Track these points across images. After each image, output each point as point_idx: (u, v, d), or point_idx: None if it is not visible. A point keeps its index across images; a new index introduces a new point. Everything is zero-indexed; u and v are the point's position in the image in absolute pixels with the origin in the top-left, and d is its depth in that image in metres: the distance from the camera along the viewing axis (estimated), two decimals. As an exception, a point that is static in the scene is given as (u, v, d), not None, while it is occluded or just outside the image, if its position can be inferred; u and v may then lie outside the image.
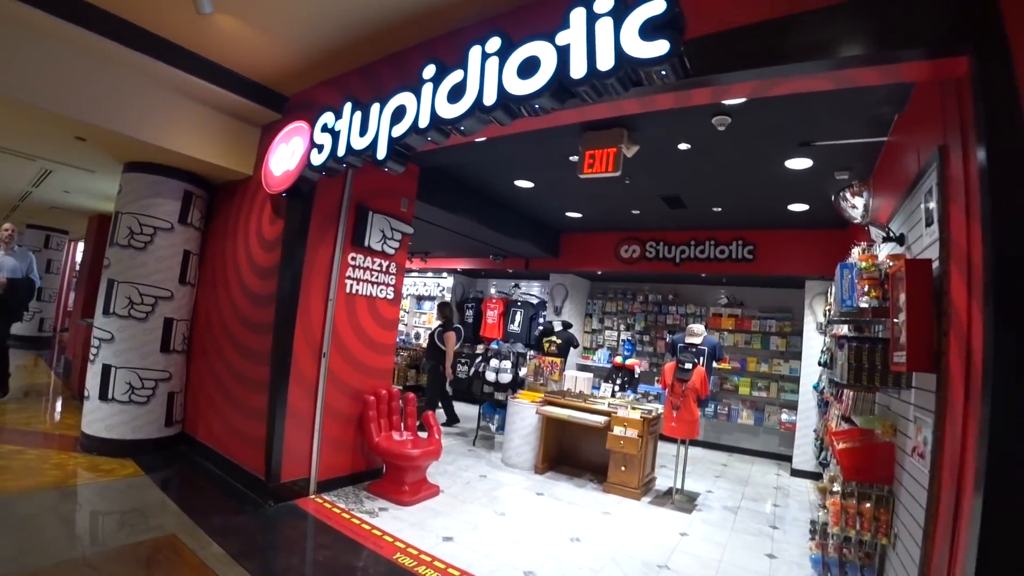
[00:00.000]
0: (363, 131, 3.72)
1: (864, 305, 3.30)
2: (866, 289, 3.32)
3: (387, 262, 5.30)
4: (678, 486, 5.76)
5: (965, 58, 2.35)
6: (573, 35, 2.76)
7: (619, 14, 2.61)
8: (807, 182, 5.54)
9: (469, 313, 10.68)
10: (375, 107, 3.68)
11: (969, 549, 1.96)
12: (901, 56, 2.54)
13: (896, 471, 3.17)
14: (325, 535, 3.93)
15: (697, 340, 5.96)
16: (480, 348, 10.25)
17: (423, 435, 5.21)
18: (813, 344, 7.58)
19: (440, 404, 8.00)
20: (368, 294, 5.12)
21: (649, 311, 9.79)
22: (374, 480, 5.05)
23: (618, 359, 6.96)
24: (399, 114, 3.49)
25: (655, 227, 8.25)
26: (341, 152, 3.86)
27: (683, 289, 9.72)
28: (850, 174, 5.09)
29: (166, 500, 4.27)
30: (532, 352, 7.44)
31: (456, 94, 3.19)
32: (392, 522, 4.28)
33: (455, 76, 3.22)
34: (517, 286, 10.76)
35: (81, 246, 12.46)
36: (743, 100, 3.75)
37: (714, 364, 6.13)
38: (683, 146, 4.90)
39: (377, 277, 5.19)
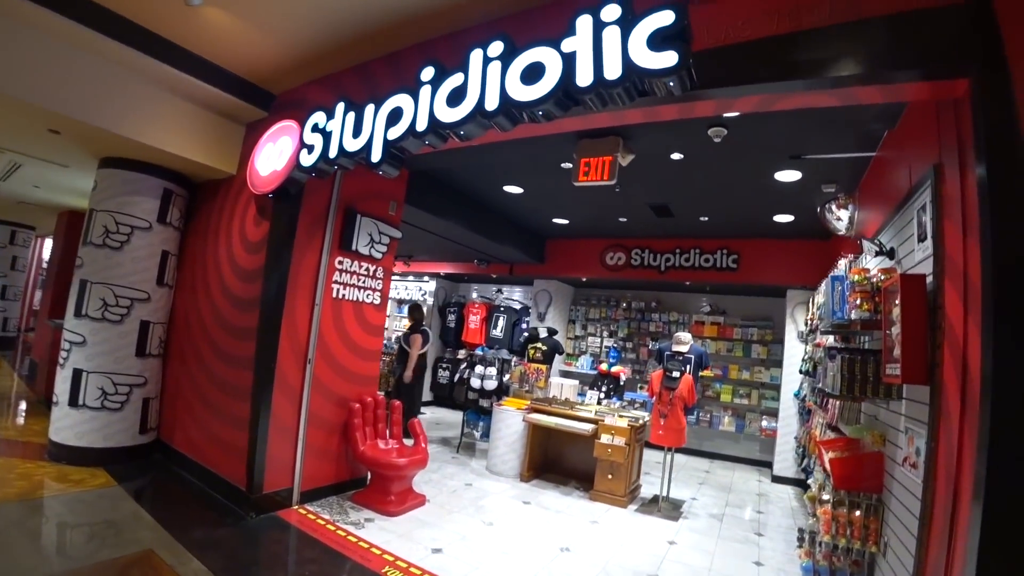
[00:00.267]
0: (357, 133, 3.63)
1: (855, 317, 3.33)
2: (858, 302, 3.34)
3: (374, 266, 5.19)
4: (664, 494, 5.75)
5: (965, 80, 2.40)
6: (579, 42, 2.73)
7: (627, 23, 2.60)
8: (794, 194, 5.60)
9: (451, 318, 10.57)
10: (370, 108, 3.59)
11: (968, 557, 1.98)
12: (904, 77, 2.59)
13: (885, 480, 3.21)
14: (311, 548, 3.81)
15: (684, 348, 5.97)
16: (462, 353, 10.17)
17: (408, 443, 5.11)
18: (794, 353, 7.69)
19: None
20: (355, 299, 5.00)
21: (632, 318, 9.83)
22: (359, 490, 4.94)
23: (604, 366, 6.95)
24: (395, 116, 3.41)
25: (641, 235, 8.28)
26: (333, 154, 3.76)
27: (666, 297, 9.78)
28: (837, 187, 5.17)
29: (141, 512, 4.08)
30: (517, 359, 7.38)
31: (456, 98, 3.12)
32: (379, 533, 4.17)
33: (455, 79, 3.16)
34: (500, 291, 10.68)
35: (49, 243, 11.98)
36: (739, 113, 3.80)
37: (700, 372, 6.16)
38: (676, 156, 4.91)
39: (364, 282, 5.08)
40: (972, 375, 2.19)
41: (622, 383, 6.75)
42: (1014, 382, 1.97)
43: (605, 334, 10.00)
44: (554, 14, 3.33)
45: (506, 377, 6.96)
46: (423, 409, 9.26)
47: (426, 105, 3.25)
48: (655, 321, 9.60)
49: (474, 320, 10.07)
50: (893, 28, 2.52)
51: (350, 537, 4.04)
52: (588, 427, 5.70)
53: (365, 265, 5.08)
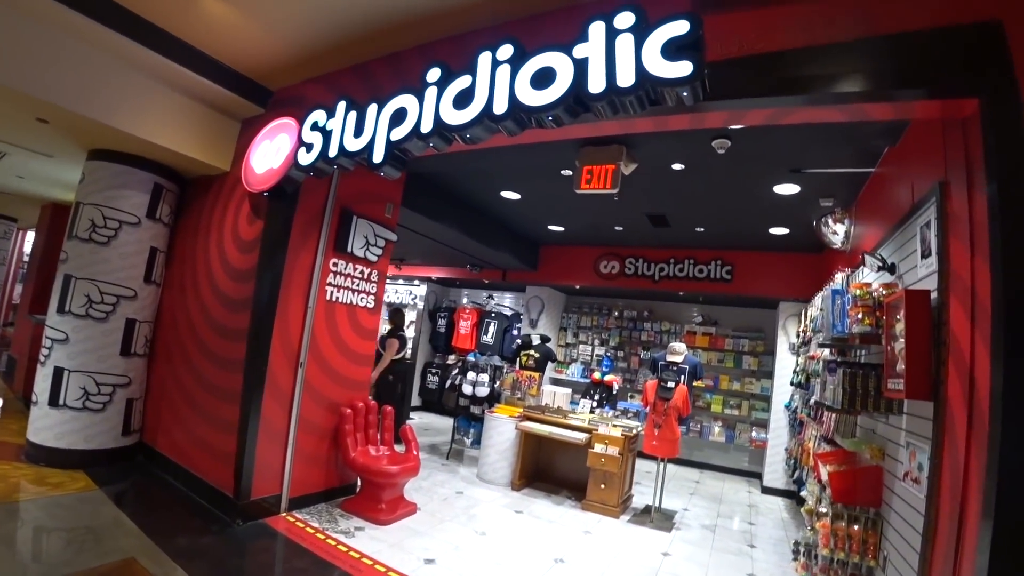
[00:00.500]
0: (358, 132, 3.55)
1: (857, 331, 3.33)
2: (860, 316, 3.34)
3: (369, 269, 5.10)
4: (656, 504, 5.71)
5: (975, 100, 2.41)
6: (592, 49, 2.70)
7: (641, 31, 2.57)
8: (791, 207, 5.62)
9: (441, 323, 10.49)
10: (372, 108, 3.52)
11: (978, 573, 1.98)
12: (913, 95, 2.61)
13: (885, 494, 3.20)
14: (301, 558, 3.70)
15: (679, 359, 5.95)
16: (452, 359, 10.09)
17: (399, 449, 5.02)
18: (785, 364, 7.71)
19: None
20: (349, 302, 4.91)
21: (624, 327, 9.82)
22: (348, 497, 4.83)
23: (596, 375, 6.91)
24: (399, 117, 3.35)
25: (635, 244, 8.27)
26: (332, 153, 3.68)
27: (658, 306, 9.79)
28: (834, 201, 5.20)
29: (123, 518, 3.94)
30: (509, 365, 7.31)
31: (463, 100, 3.06)
32: (370, 543, 4.07)
33: (462, 81, 3.10)
34: (491, 297, 10.63)
35: (32, 236, 11.67)
36: (747, 125, 3.79)
37: (694, 383, 6.14)
38: (677, 166, 4.89)
39: (359, 285, 4.99)
40: (980, 392, 2.18)
41: (615, 392, 6.71)
42: (1024, 400, 1.96)
43: (596, 342, 9.97)
44: (564, 20, 3.29)
45: (498, 384, 6.89)
46: (411, 415, 9.16)
47: (431, 107, 3.19)
48: (647, 330, 9.60)
49: (464, 325, 9.99)
50: (905, 46, 2.53)
51: (340, 546, 3.94)
52: (582, 436, 5.64)
53: (360, 268, 4.99)
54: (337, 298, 4.79)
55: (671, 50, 2.48)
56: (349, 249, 4.78)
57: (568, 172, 5.21)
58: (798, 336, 7.39)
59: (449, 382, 7.39)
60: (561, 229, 7.90)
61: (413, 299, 10.73)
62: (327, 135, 3.74)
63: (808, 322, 6.40)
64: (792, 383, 7.33)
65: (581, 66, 2.71)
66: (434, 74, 3.25)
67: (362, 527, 4.35)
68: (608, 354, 9.50)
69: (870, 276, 4.05)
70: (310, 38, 4.11)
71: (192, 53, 4.36)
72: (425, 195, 6.07)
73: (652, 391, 5.66)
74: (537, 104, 2.81)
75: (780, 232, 6.63)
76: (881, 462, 3.36)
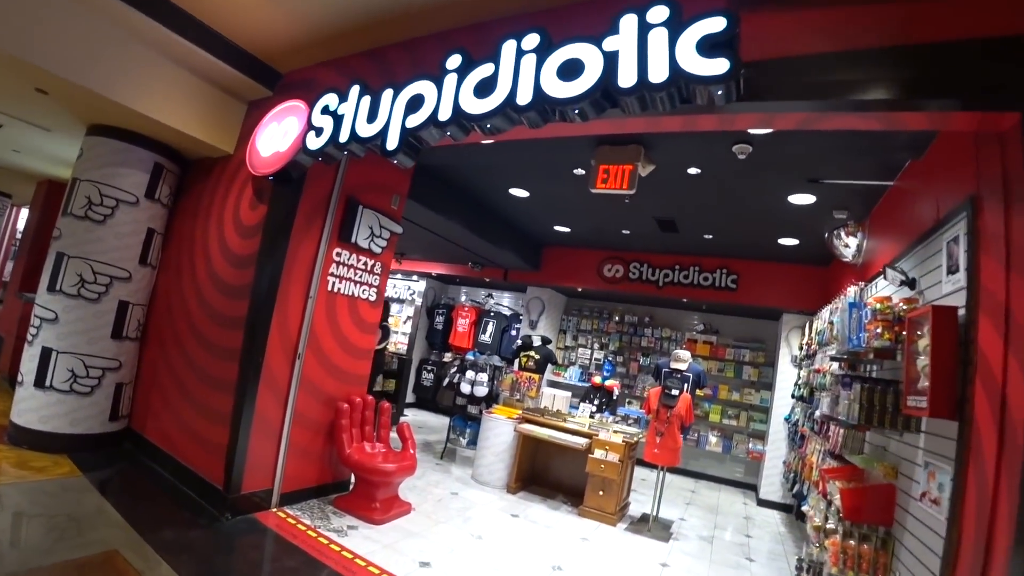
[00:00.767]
0: (372, 118, 3.42)
1: (877, 345, 3.25)
2: (879, 330, 3.26)
3: (373, 261, 4.96)
4: (654, 513, 5.60)
5: (1016, 114, 2.32)
6: (623, 42, 2.59)
7: (675, 27, 2.48)
8: (804, 218, 5.53)
9: (439, 320, 10.35)
10: (387, 93, 3.39)
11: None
12: (950, 105, 2.52)
13: (897, 514, 3.12)
14: (292, 557, 3.56)
15: (683, 366, 5.84)
16: (448, 356, 9.97)
17: (395, 447, 4.89)
18: (787, 377, 7.63)
19: None
20: (350, 294, 4.77)
21: (624, 332, 9.71)
22: (342, 494, 4.69)
23: (597, 379, 6.80)
24: (415, 103, 3.22)
25: (641, 248, 8.17)
26: (343, 138, 3.55)
27: (659, 312, 9.68)
28: (848, 214, 5.12)
29: (107, 507, 3.79)
30: (507, 366, 7.19)
31: (485, 89, 2.95)
32: (363, 543, 3.94)
33: (484, 69, 2.98)
34: (490, 296, 10.50)
35: (25, 212, 11.47)
36: (769, 130, 3.70)
37: (697, 392, 6.04)
38: (693, 170, 4.79)
39: (361, 276, 4.86)
40: (1013, 414, 2.10)
41: (615, 397, 6.60)
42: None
43: (596, 346, 9.85)
44: (593, 12, 3.17)
45: (496, 384, 6.76)
46: (405, 411, 9.02)
47: (451, 94, 3.07)
48: (647, 336, 9.49)
49: (463, 324, 9.86)
50: (944, 56, 2.43)
51: (333, 545, 3.80)
52: (582, 441, 5.53)
53: (364, 259, 4.85)
54: (339, 289, 4.65)
55: (706, 47, 2.39)
56: (353, 239, 4.64)
57: (580, 171, 5.10)
58: (801, 348, 7.31)
59: (447, 380, 7.25)
60: (567, 230, 7.79)
61: (411, 295, 10.60)
62: (338, 119, 3.61)
63: (814, 335, 6.31)
64: (793, 396, 7.26)
65: (611, 59, 2.61)
66: (454, 61, 3.13)
67: (355, 526, 4.22)
68: (609, 359, 9.38)
69: (887, 290, 3.97)
70: (323, 19, 3.98)
71: (200, 28, 4.21)
72: (432, 188, 5.94)
73: (655, 398, 5.55)
74: (563, 96, 2.70)
75: (789, 243, 6.54)
76: (894, 480, 3.28)
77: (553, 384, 9.29)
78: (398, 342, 10.22)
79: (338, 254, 4.61)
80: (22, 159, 7.88)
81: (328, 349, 4.62)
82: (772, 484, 7.49)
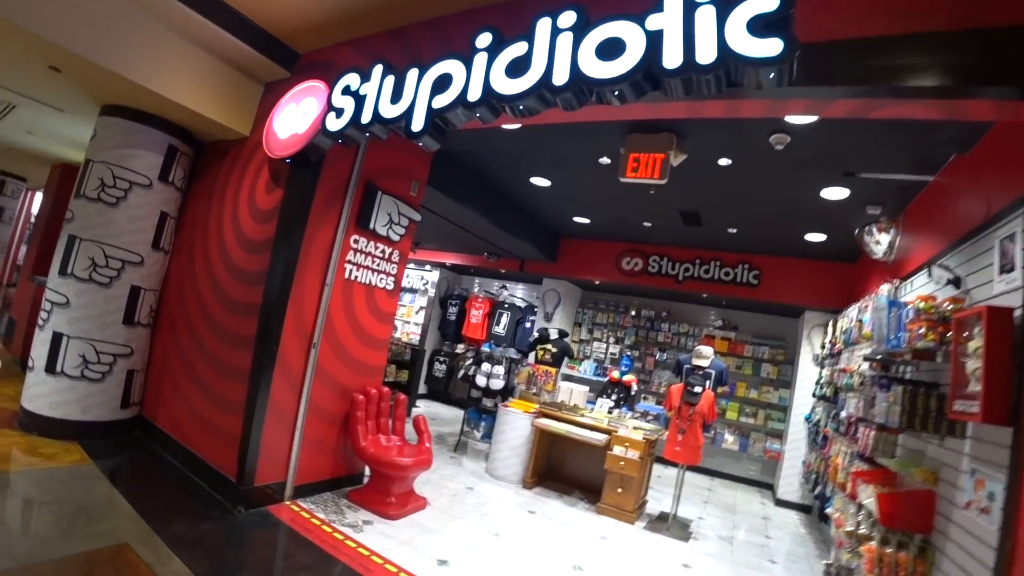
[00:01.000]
0: (396, 98, 3.27)
1: (921, 346, 3.09)
2: (922, 331, 3.09)
3: (391, 249, 4.82)
4: (673, 512, 5.47)
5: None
6: (667, 20, 2.42)
7: (724, 4, 2.31)
8: (835, 213, 5.34)
9: (452, 310, 10.21)
10: (412, 73, 3.24)
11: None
12: (1011, 94, 2.32)
13: (937, 522, 2.99)
14: (306, 553, 3.44)
15: (705, 363, 5.68)
16: (461, 348, 9.84)
17: (410, 440, 4.77)
18: (807, 375, 7.45)
19: None
20: (367, 282, 4.64)
21: (641, 326, 9.53)
22: (356, 487, 4.58)
23: (615, 374, 6.64)
24: (443, 83, 3.06)
25: (661, 241, 7.99)
26: (366, 119, 3.39)
27: (677, 307, 9.49)
28: (882, 209, 4.93)
29: (117, 497, 3.69)
30: (526, 359, 7.04)
31: (518, 68, 2.78)
32: (379, 539, 3.82)
33: (517, 48, 2.82)
34: (504, 287, 10.34)
35: (40, 196, 11.44)
36: (813, 119, 3.52)
37: (718, 389, 5.88)
38: (724, 161, 4.60)
39: (379, 264, 4.72)
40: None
41: (633, 393, 6.45)
42: None
43: (612, 340, 9.68)
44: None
45: (513, 378, 6.63)
46: (417, 403, 8.92)
47: (480, 74, 2.91)
48: (664, 331, 9.30)
49: (476, 315, 9.72)
50: (1009, 42, 2.24)
51: (348, 541, 3.69)
52: (601, 437, 5.39)
53: (381, 247, 4.71)
54: (356, 277, 4.51)
55: (758, 26, 2.22)
56: (372, 226, 4.50)
57: (606, 160, 4.93)
58: (823, 347, 7.13)
59: (462, 372, 7.11)
60: (587, 221, 7.60)
61: (425, 284, 10.46)
62: (360, 100, 3.46)
63: (838, 333, 6.12)
64: (815, 395, 7.08)
65: (654, 39, 2.44)
66: (484, 39, 2.97)
67: (370, 521, 4.11)
68: (627, 354, 9.19)
69: (923, 288, 3.80)
70: (344, -4, 3.82)
71: (217, 5, 4.06)
72: (452, 175, 5.78)
73: (677, 395, 5.40)
74: (603, 77, 2.54)
75: (816, 239, 6.34)
76: (933, 487, 3.14)
77: (567, 378, 9.14)
78: (410, 332, 10.11)
79: (355, 241, 4.47)
80: (36, 141, 7.79)
81: (344, 339, 4.49)
82: (790, 484, 7.34)
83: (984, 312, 2.49)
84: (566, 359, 7.30)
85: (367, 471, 4.66)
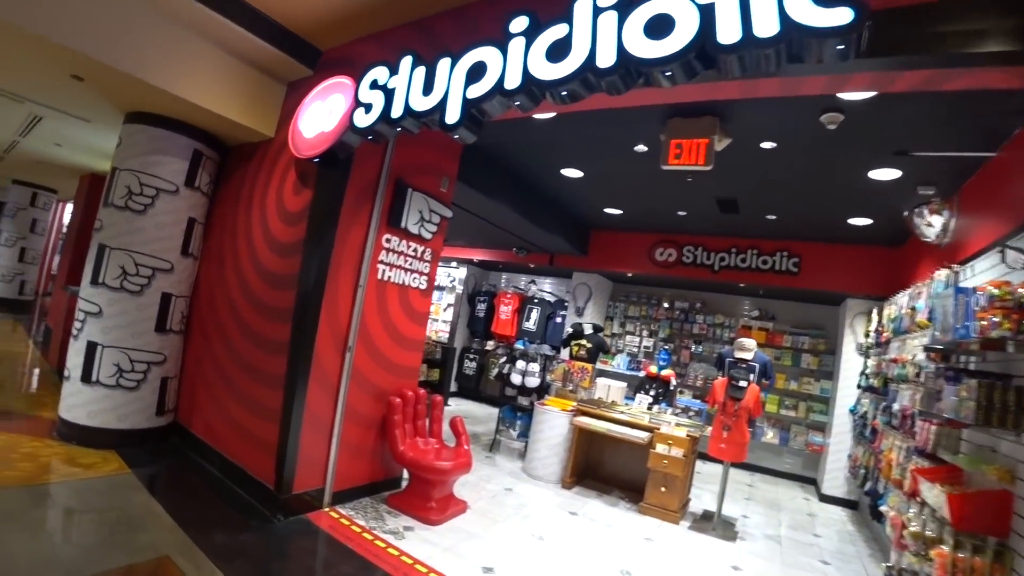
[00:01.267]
0: (427, 90, 3.13)
1: (995, 335, 2.86)
2: (997, 319, 2.86)
3: (423, 247, 4.70)
4: (717, 510, 5.27)
5: None
6: (720, -8, 2.23)
7: (784, -29, 2.10)
8: (883, 195, 5.07)
9: (481, 307, 10.09)
10: (443, 63, 3.09)
11: None
12: None
13: (1016, 524, 2.80)
14: (349, 562, 3.35)
15: (748, 355, 5.47)
16: (490, 344, 9.73)
17: (448, 442, 4.66)
18: (851, 366, 7.16)
19: None
20: (400, 282, 4.52)
21: (675, 319, 9.28)
22: (394, 491, 4.49)
23: (653, 368, 6.44)
24: (477, 72, 2.91)
25: (695, 231, 7.74)
26: (396, 113, 3.26)
27: (711, 298, 9.21)
28: (935, 190, 4.65)
29: (157, 507, 3.64)
30: (561, 355, 6.88)
31: (558, 52, 2.62)
32: (421, 546, 3.72)
33: (556, 31, 2.66)
34: (532, 282, 10.18)
35: (70, 207, 11.67)
36: (871, 95, 3.30)
37: (762, 382, 5.66)
38: (767, 144, 4.37)
39: (411, 264, 4.60)
40: None
41: (672, 387, 6.25)
42: None
43: (645, 333, 9.45)
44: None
45: (548, 375, 6.48)
46: (448, 401, 8.83)
47: (518, 60, 2.75)
48: (699, 323, 9.04)
49: (505, 311, 9.59)
50: None
51: (390, 549, 3.59)
52: (643, 435, 5.22)
53: (414, 245, 4.59)
54: (389, 277, 4.40)
55: (823, -6, 2.02)
56: (403, 224, 4.38)
57: (642, 148, 4.73)
58: (868, 335, 6.84)
59: (496, 370, 6.98)
60: (619, 212, 7.38)
61: (452, 282, 10.35)
62: (389, 94, 3.32)
63: (886, 321, 5.85)
64: (860, 386, 6.81)
65: (707, 12, 2.26)
66: (520, 24, 2.81)
67: (411, 527, 4.01)
68: (665, 348, 8.96)
69: (989, 273, 3.56)
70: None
71: (236, 4, 3.97)
72: (481, 170, 5.63)
73: (721, 390, 5.19)
74: (653, 56, 2.36)
75: (861, 223, 6.06)
76: (1010, 486, 2.92)
77: (600, 373, 8.97)
78: (439, 330, 10.02)
79: (387, 240, 4.35)
80: (64, 153, 7.86)
81: (379, 341, 4.39)
82: (835, 479, 7.07)
83: (1075, 296, 2.27)
84: (601, 354, 7.12)
85: (405, 474, 4.56)
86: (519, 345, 6.94)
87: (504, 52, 2.82)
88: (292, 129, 4.13)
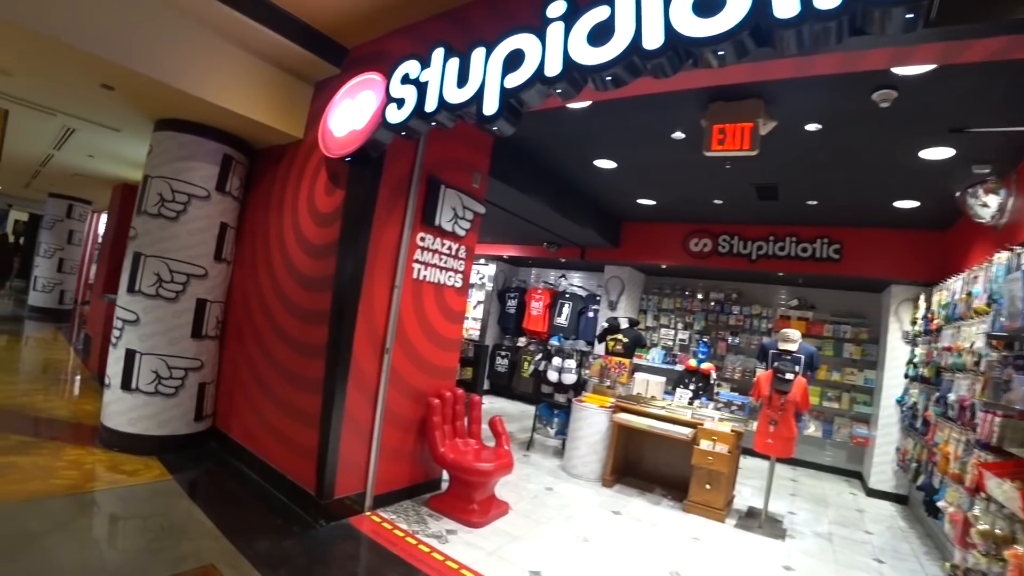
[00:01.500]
0: (462, 82, 3.03)
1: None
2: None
3: (457, 245, 4.62)
4: (763, 507, 5.10)
5: None
6: (773, -36, 2.07)
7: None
8: (934, 175, 4.82)
9: (511, 303, 9.98)
10: (478, 53, 2.98)
11: None
12: None
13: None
14: (393, 568, 3.28)
15: (793, 347, 5.27)
16: (522, 341, 9.62)
17: (487, 442, 4.58)
18: (897, 355, 6.89)
19: None
20: (436, 281, 4.45)
21: (710, 310, 9.06)
22: (434, 494, 4.43)
23: (692, 362, 6.27)
24: (515, 60, 2.79)
25: (730, 220, 7.52)
26: (430, 107, 3.17)
27: (747, 288, 8.96)
28: (990, 168, 4.41)
29: (199, 514, 3.62)
30: (597, 350, 6.74)
31: (601, 36, 2.48)
32: (466, 550, 3.64)
33: (598, 13, 2.52)
34: (563, 276, 10.04)
35: (105, 218, 11.95)
36: (928, 69, 3.11)
37: (810, 374, 5.45)
38: (812, 126, 4.18)
39: (446, 262, 4.52)
40: None
41: (712, 381, 6.08)
42: None
43: (680, 326, 9.24)
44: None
45: (585, 371, 6.35)
46: (482, 399, 8.76)
47: (558, 45, 2.63)
48: (735, 314, 8.79)
49: (536, 307, 9.47)
50: None
51: (435, 554, 3.52)
52: (686, 431, 5.08)
53: (448, 243, 4.52)
54: (424, 276, 4.33)
55: (888, -42, 1.86)
56: (437, 222, 4.30)
57: (679, 135, 4.57)
58: (915, 323, 6.57)
59: (532, 367, 6.88)
60: (652, 203, 7.19)
61: (481, 279, 10.27)
62: (422, 88, 3.23)
63: (937, 307, 5.59)
64: (907, 375, 6.54)
65: (760, -16, 2.10)
66: (557, 8, 2.68)
67: (454, 530, 3.94)
68: (704, 340, 8.73)
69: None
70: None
71: (263, 5, 3.92)
72: (512, 164, 5.51)
73: (767, 383, 5.01)
74: (704, 35, 2.21)
75: (907, 206, 5.79)
76: (1091, 483, 2.72)
77: (635, 367, 8.80)
78: (470, 328, 9.95)
79: (422, 239, 4.28)
80: (97, 164, 7.99)
81: (416, 341, 4.32)
82: (883, 472, 6.81)
83: None
84: (637, 349, 6.96)
85: (445, 475, 4.50)
86: (554, 341, 6.81)
87: (542, 38, 2.70)
88: (322, 128, 4.07)
